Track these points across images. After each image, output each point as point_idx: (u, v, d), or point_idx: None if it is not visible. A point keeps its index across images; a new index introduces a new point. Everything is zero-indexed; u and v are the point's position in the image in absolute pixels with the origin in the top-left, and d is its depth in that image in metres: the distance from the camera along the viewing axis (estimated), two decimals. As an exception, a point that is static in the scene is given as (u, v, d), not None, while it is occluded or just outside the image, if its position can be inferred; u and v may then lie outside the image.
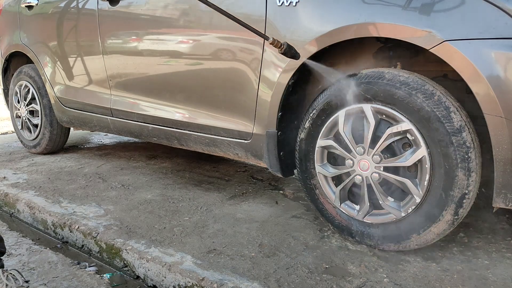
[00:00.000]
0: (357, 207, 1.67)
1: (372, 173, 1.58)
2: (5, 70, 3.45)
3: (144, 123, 2.37)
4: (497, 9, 1.28)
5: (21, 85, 3.22)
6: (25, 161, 3.00)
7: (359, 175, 1.62)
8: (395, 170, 1.56)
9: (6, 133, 4.20)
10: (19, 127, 3.33)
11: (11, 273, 1.37)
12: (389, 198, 1.59)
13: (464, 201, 1.44)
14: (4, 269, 1.39)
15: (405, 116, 1.49)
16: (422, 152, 1.47)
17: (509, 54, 1.26)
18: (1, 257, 1.43)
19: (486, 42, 1.29)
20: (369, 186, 1.61)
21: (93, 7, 2.46)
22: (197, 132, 2.13)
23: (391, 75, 1.52)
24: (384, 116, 1.56)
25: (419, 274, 1.48)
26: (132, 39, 2.29)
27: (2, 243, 1.44)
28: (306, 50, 1.63)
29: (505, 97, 1.28)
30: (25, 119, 3.23)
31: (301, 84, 1.84)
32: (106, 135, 3.91)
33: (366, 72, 1.58)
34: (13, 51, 3.21)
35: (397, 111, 1.50)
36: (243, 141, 1.96)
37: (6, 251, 1.47)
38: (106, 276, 1.67)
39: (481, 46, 1.30)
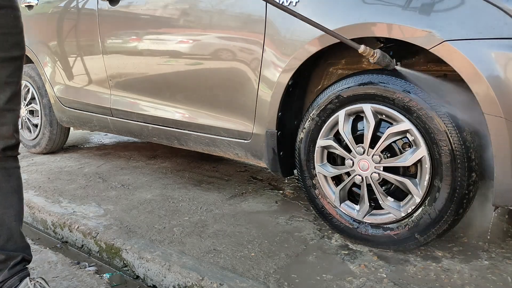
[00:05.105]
0: (357, 207, 1.67)
1: (372, 173, 1.58)
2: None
3: (144, 123, 2.37)
4: (497, 9, 1.28)
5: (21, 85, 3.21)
6: (25, 160, 3.00)
7: (359, 175, 1.62)
8: (395, 170, 1.56)
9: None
10: (19, 126, 3.32)
11: (37, 281, 1.32)
12: (389, 198, 1.59)
13: (464, 201, 1.45)
14: (31, 277, 1.34)
15: (405, 116, 1.49)
16: (422, 152, 1.47)
17: (509, 54, 1.26)
18: (27, 266, 1.38)
19: (486, 42, 1.29)
20: (369, 186, 1.61)
21: (93, 7, 2.45)
22: (197, 132, 2.13)
23: (392, 74, 1.52)
24: (384, 116, 1.56)
25: (419, 274, 1.48)
26: (132, 39, 2.29)
27: (28, 250, 1.39)
28: (306, 50, 1.64)
29: (505, 97, 1.27)
30: (25, 119, 3.23)
31: (301, 84, 1.84)
32: (106, 135, 3.91)
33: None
34: (13, 51, 3.20)
35: (397, 110, 1.50)
36: (243, 141, 1.96)
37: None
38: (106, 276, 1.67)
39: (481, 46, 1.30)
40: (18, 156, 1.35)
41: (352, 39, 1.54)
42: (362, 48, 1.41)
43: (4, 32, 1.22)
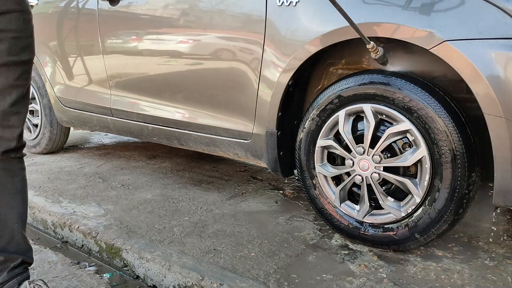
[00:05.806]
0: (357, 207, 1.67)
1: (372, 173, 1.58)
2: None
3: (144, 123, 2.37)
4: (497, 9, 1.28)
5: (21, 85, 3.21)
6: (25, 160, 2.99)
7: (359, 175, 1.62)
8: (395, 170, 1.56)
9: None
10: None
11: (37, 284, 1.32)
12: (389, 198, 1.59)
13: (464, 201, 1.45)
14: (30, 280, 1.33)
15: (405, 116, 1.49)
16: (422, 152, 1.47)
17: (509, 54, 1.26)
18: (28, 268, 1.37)
19: (486, 42, 1.29)
20: (369, 186, 1.61)
21: (93, 7, 2.45)
22: (197, 132, 2.14)
23: (392, 74, 1.52)
24: (384, 116, 1.56)
25: (419, 274, 1.48)
26: (132, 39, 2.29)
27: (30, 253, 1.38)
28: (306, 50, 1.64)
29: (505, 97, 1.27)
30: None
31: (301, 84, 1.84)
32: (106, 135, 3.91)
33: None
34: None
35: (397, 110, 1.50)
36: (243, 141, 1.96)
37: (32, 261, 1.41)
38: (106, 275, 1.67)
39: (481, 46, 1.30)
40: (23, 157, 1.33)
41: (352, 39, 1.55)
42: (371, 44, 1.45)
43: (14, 36, 1.23)
